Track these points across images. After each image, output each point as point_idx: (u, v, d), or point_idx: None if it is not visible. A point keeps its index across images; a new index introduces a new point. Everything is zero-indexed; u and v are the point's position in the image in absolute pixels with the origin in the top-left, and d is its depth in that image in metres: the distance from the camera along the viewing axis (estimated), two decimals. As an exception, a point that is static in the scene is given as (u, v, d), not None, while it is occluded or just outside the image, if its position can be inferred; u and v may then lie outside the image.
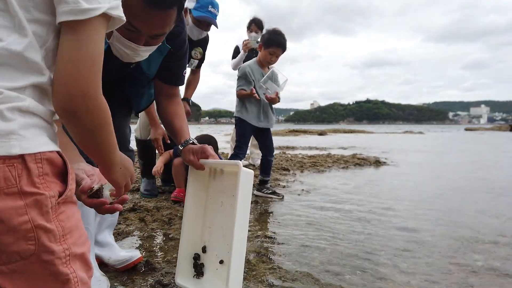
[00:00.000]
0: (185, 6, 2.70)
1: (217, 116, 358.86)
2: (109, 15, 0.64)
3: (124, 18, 0.68)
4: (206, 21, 2.74)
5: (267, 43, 3.02)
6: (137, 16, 1.03)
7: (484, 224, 2.51)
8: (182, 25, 1.43)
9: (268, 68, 3.11)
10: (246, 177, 1.16)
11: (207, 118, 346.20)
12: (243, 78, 3.10)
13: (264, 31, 3.74)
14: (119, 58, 1.21)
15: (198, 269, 1.31)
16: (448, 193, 3.60)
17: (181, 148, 1.38)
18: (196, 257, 1.33)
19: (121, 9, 0.67)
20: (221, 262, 1.26)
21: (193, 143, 1.38)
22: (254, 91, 3.00)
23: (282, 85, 3.08)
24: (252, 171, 1.21)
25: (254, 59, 3.21)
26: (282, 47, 3.02)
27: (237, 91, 3.13)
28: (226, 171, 1.34)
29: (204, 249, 1.34)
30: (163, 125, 1.56)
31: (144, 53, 1.17)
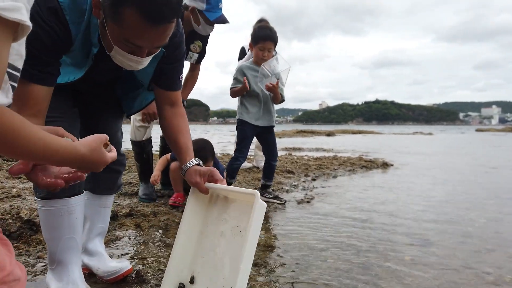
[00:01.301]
0: (192, 6, 2.61)
1: (225, 116, 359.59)
2: (4, 18, 0.51)
3: (29, 23, 0.55)
4: (222, 22, 2.65)
5: (255, 40, 2.95)
6: (139, 35, 1.02)
7: (494, 233, 2.40)
8: (176, 27, 1.37)
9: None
10: (260, 210, 1.06)
11: (215, 118, 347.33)
12: (235, 78, 3.04)
13: None
14: (121, 67, 1.20)
15: None
16: (456, 198, 3.48)
17: (185, 169, 1.31)
18: (181, 287, 1.23)
19: (25, 13, 0.54)
20: None
21: (198, 164, 1.32)
22: (246, 80, 2.90)
23: (284, 72, 2.96)
24: (265, 203, 1.10)
25: (251, 59, 3.14)
26: (270, 39, 2.92)
27: (230, 90, 3.07)
28: (230, 198, 1.23)
29: (192, 280, 1.22)
30: (166, 140, 1.48)
31: (146, 61, 1.17)
